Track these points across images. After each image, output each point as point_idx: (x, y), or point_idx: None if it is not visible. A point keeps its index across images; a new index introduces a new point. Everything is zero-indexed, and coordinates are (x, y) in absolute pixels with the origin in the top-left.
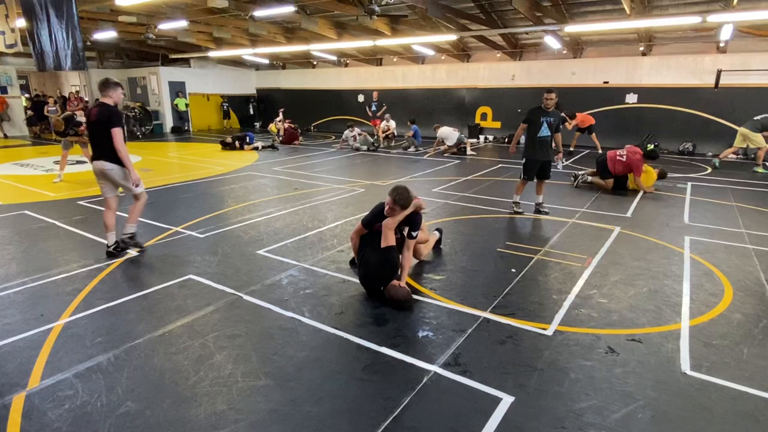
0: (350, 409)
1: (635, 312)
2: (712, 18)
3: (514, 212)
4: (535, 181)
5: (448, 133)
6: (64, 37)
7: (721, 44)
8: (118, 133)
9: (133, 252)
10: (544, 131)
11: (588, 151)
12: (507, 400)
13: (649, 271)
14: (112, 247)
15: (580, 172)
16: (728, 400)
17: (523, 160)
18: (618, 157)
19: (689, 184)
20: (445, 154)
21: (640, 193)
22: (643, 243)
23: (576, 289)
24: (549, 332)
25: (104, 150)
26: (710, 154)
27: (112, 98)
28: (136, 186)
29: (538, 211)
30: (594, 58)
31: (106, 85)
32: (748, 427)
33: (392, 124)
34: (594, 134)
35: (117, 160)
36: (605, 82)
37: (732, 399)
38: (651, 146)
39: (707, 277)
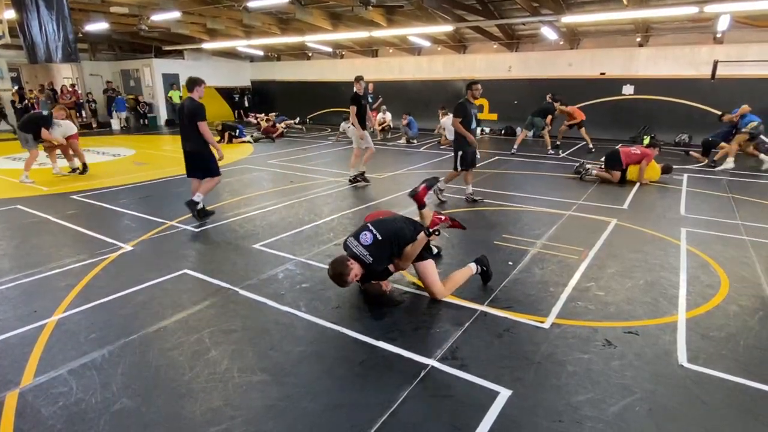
0: (347, 403)
1: (632, 304)
2: (709, 8)
3: (439, 200)
4: (464, 171)
5: (449, 124)
6: (54, 28)
7: (718, 35)
8: (203, 125)
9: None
10: (474, 123)
11: (582, 144)
12: (504, 393)
13: (646, 263)
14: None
15: (587, 166)
16: (725, 391)
17: (460, 153)
18: (633, 151)
19: (685, 175)
20: (442, 146)
21: (637, 185)
22: (639, 235)
23: (573, 282)
24: (546, 325)
25: (190, 137)
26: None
27: (197, 93)
28: (220, 158)
29: (473, 201)
30: (591, 49)
31: (192, 82)
32: (744, 418)
33: (388, 116)
34: (583, 129)
35: (201, 145)
36: (602, 74)
37: (728, 391)
38: (647, 138)
39: (704, 268)
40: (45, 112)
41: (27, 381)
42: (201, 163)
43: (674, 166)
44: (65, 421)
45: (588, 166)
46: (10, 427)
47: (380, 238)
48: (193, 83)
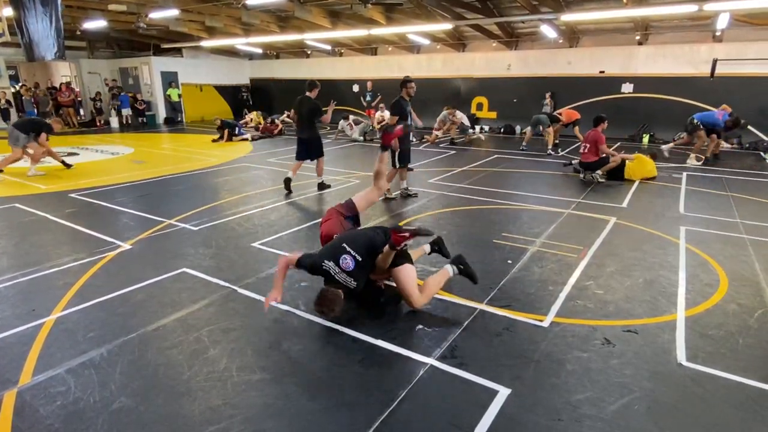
0: (346, 402)
1: (631, 303)
2: (709, 6)
3: (387, 198)
4: (401, 168)
5: (444, 118)
6: (46, 25)
7: (717, 33)
8: (327, 117)
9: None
10: (410, 119)
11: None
12: (503, 392)
13: (645, 262)
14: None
15: (596, 173)
16: (724, 390)
17: (399, 151)
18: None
19: (684, 174)
20: (435, 141)
21: (636, 184)
22: (638, 233)
23: (572, 281)
24: (545, 324)
25: (306, 127)
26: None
27: (313, 93)
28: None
29: (408, 196)
30: (590, 48)
31: (310, 85)
32: (743, 417)
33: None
34: (577, 128)
35: (314, 133)
36: (601, 72)
37: (727, 389)
38: (646, 137)
39: (703, 267)
40: (49, 121)
41: (25, 380)
42: (314, 147)
43: (674, 165)
44: (63, 420)
45: (597, 173)
46: (8, 426)
47: (360, 259)
48: (312, 85)
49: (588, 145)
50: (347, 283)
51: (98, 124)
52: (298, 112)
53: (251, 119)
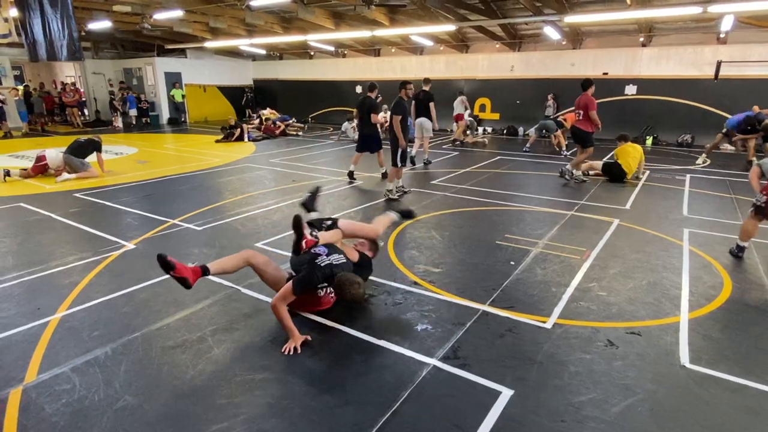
0: (349, 402)
1: (634, 305)
2: (713, 8)
3: (391, 198)
4: (402, 167)
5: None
6: (59, 27)
7: (722, 35)
8: (376, 116)
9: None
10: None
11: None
12: (506, 393)
13: (648, 264)
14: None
15: (578, 173)
16: (727, 392)
17: (400, 151)
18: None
19: (688, 176)
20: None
21: (639, 186)
22: (642, 235)
23: (575, 282)
24: (548, 325)
25: (367, 123)
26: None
27: (373, 94)
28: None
29: (404, 192)
30: (593, 49)
31: (371, 86)
32: (747, 419)
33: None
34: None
35: (374, 130)
36: (605, 74)
37: (731, 392)
38: (650, 139)
39: (706, 269)
40: (96, 138)
41: (31, 378)
42: (374, 142)
43: (677, 167)
44: (68, 418)
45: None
46: (14, 424)
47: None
48: (372, 86)
49: (581, 112)
50: (344, 263)
51: (114, 124)
52: (359, 111)
53: (264, 117)
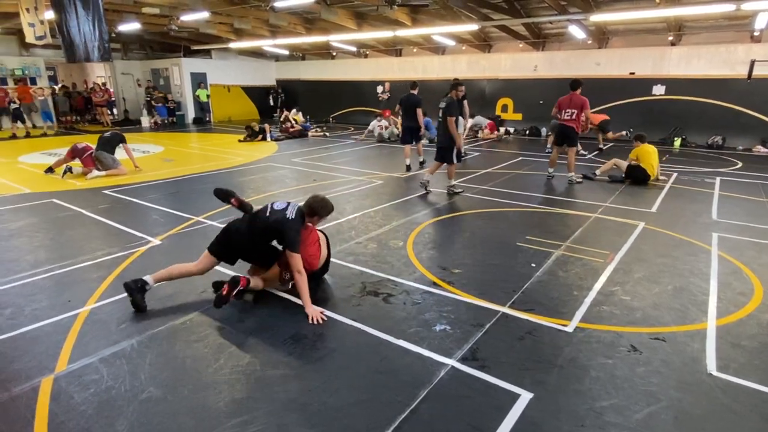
0: (367, 400)
1: (659, 310)
2: (747, 6)
3: (455, 193)
4: (444, 165)
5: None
6: (90, 28)
7: (756, 33)
8: (419, 112)
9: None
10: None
11: (609, 144)
12: (525, 396)
13: (675, 269)
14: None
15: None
16: (756, 403)
17: (455, 150)
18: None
19: (718, 179)
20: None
21: (666, 188)
22: (668, 239)
23: (598, 286)
24: (569, 329)
25: (410, 118)
26: (740, 147)
27: (415, 90)
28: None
29: (455, 193)
30: (620, 48)
31: (413, 84)
32: None
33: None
34: (609, 133)
35: (416, 123)
36: (631, 73)
37: (760, 402)
38: (678, 140)
39: (736, 275)
40: (118, 130)
41: (61, 367)
42: (415, 133)
43: (707, 169)
44: (96, 407)
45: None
46: (46, 410)
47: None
48: (415, 85)
49: (575, 111)
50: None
51: (156, 124)
52: (403, 107)
53: (288, 117)
